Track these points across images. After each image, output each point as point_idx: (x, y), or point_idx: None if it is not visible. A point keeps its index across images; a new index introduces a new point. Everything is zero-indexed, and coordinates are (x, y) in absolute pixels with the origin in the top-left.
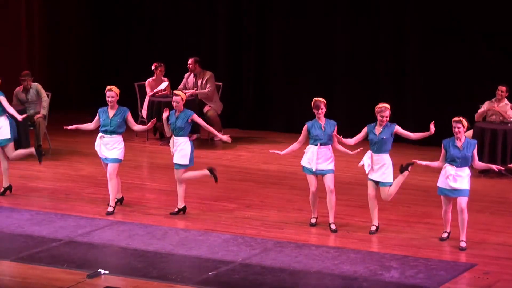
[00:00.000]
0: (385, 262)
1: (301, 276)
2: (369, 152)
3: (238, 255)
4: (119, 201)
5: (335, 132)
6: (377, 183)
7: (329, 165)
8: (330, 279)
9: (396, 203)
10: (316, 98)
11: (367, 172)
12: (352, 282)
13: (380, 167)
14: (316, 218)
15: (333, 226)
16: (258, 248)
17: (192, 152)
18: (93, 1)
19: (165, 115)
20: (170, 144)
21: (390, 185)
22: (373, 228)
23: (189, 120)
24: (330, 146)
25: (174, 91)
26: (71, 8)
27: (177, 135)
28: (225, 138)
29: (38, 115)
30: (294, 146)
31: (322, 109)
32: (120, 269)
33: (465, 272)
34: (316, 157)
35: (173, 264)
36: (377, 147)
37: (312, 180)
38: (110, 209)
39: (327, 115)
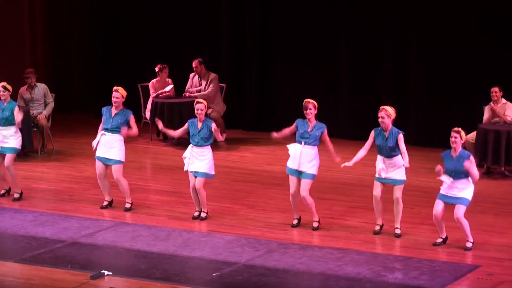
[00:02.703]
0: (389, 264)
1: (304, 277)
2: (379, 157)
3: (242, 256)
4: (109, 204)
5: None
6: (384, 183)
7: (311, 168)
8: (334, 280)
9: None
10: (306, 99)
11: (382, 175)
12: (356, 284)
13: (393, 169)
14: (298, 219)
15: (314, 224)
16: (261, 249)
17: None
18: (96, 2)
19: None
20: (186, 154)
21: (403, 183)
22: (378, 227)
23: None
24: (315, 148)
25: (197, 99)
26: (74, 9)
27: (200, 145)
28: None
29: (41, 116)
30: (286, 133)
31: (310, 109)
32: (123, 270)
33: (468, 274)
34: (300, 156)
35: (177, 265)
36: (387, 153)
37: (292, 182)
38: (127, 205)
39: (332, 116)
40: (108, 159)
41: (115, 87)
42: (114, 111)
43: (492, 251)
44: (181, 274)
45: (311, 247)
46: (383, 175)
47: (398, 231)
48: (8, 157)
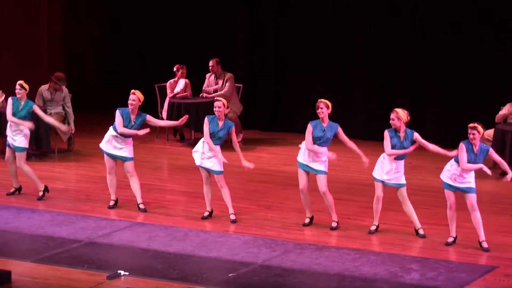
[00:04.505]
0: (406, 264)
1: (321, 278)
2: (387, 157)
3: (258, 256)
4: (115, 203)
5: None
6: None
7: (320, 165)
8: (350, 281)
9: (416, 205)
10: (319, 99)
11: (380, 177)
12: (372, 284)
13: (395, 172)
14: (310, 218)
15: (333, 224)
16: (278, 249)
17: None
18: (113, 2)
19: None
20: (198, 149)
21: (404, 186)
22: (373, 227)
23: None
24: (326, 147)
25: (216, 97)
26: (91, 9)
27: (215, 144)
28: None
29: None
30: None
31: (321, 108)
32: (140, 270)
33: (486, 275)
34: (308, 155)
35: (193, 265)
36: (400, 156)
37: (301, 176)
38: (141, 206)
39: (345, 115)
40: (121, 156)
41: (132, 90)
42: (132, 116)
43: (510, 252)
44: (197, 275)
45: (327, 248)
46: (384, 179)
47: (421, 232)
48: (17, 156)
